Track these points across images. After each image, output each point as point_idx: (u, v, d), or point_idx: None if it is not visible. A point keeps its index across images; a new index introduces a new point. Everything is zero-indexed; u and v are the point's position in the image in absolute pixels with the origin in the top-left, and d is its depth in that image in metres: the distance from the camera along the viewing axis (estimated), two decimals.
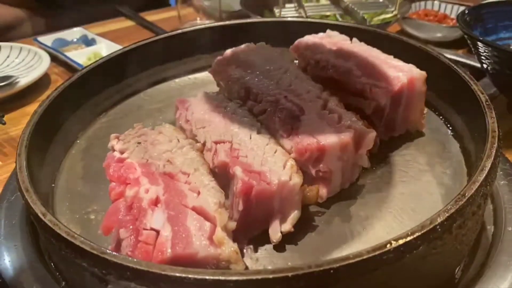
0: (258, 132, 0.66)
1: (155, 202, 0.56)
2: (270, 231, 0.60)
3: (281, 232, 0.59)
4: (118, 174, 0.61)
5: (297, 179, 0.59)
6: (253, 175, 0.58)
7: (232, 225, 0.56)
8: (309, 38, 0.89)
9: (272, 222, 0.60)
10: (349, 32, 0.92)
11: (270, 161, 0.61)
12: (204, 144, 0.67)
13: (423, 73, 0.76)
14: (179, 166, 0.63)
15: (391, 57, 0.81)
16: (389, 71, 0.76)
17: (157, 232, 0.53)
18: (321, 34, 0.91)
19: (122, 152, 0.66)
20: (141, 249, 0.52)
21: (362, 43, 0.87)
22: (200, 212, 0.56)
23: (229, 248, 0.52)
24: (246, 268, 0.57)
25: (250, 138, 0.65)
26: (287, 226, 0.60)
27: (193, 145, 0.68)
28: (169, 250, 0.50)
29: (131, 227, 0.54)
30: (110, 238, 0.57)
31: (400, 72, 0.76)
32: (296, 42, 0.91)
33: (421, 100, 0.78)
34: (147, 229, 0.53)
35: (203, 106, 0.73)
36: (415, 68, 0.77)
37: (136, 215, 0.55)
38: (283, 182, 0.58)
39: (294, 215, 0.60)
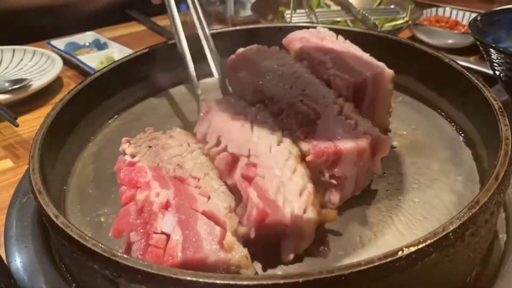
0: (279, 143, 0.64)
1: (166, 206, 0.56)
2: (282, 253, 0.59)
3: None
4: (129, 178, 0.62)
5: (311, 214, 0.56)
6: (268, 202, 0.56)
7: (242, 230, 0.55)
8: (300, 32, 0.92)
9: (284, 245, 0.59)
10: (360, 37, 0.92)
11: (287, 186, 0.58)
12: (219, 152, 0.65)
13: (391, 71, 0.76)
14: (189, 170, 0.63)
15: (367, 55, 0.81)
16: (356, 66, 0.77)
17: (168, 236, 0.53)
18: (311, 29, 0.92)
19: (133, 156, 0.66)
20: (152, 253, 0.52)
21: (347, 41, 0.87)
22: (210, 216, 0.56)
23: (239, 253, 0.52)
24: (256, 273, 0.57)
25: (270, 151, 0.63)
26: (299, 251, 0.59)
27: (203, 149, 0.68)
28: (180, 254, 0.50)
29: (141, 230, 0.54)
30: (121, 241, 0.57)
31: (367, 68, 0.76)
32: (288, 35, 0.92)
33: (387, 98, 0.78)
34: (157, 233, 0.53)
35: (222, 115, 0.71)
36: (384, 67, 0.77)
37: (146, 219, 0.55)
38: (296, 216, 0.56)
39: (305, 243, 0.59)
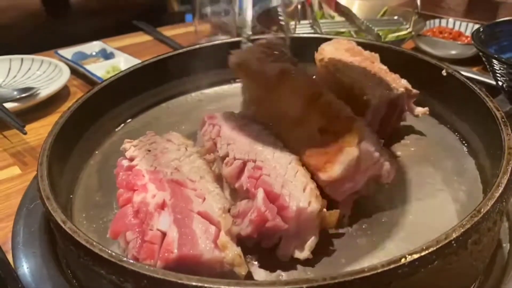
0: (281, 151, 0.66)
1: (162, 206, 0.58)
2: (280, 251, 0.60)
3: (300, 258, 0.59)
4: (126, 181, 0.63)
5: (315, 205, 0.57)
6: (270, 207, 0.57)
7: (236, 229, 0.57)
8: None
9: (284, 243, 0.60)
10: (364, 48, 0.94)
11: (291, 183, 0.60)
12: (223, 158, 0.66)
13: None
14: (186, 173, 0.64)
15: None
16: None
17: (163, 233, 0.54)
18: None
19: (131, 160, 0.68)
20: (146, 249, 0.53)
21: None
22: (205, 216, 0.57)
23: (232, 251, 0.53)
24: (249, 272, 0.58)
25: (273, 156, 0.64)
26: (306, 253, 0.59)
27: (200, 153, 0.69)
28: (176, 251, 0.52)
29: (137, 229, 0.56)
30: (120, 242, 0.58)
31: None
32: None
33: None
34: (153, 230, 0.54)
35: (230, 124, 0.72)
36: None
37: (142, 219, 0.57)
38: (301, 208, 0.57)
39: (311, 242, 0.59)
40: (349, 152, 0.61)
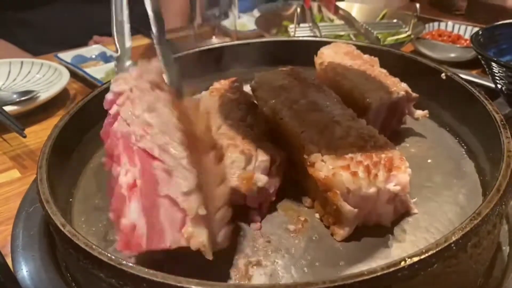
0: None
1: (132, 186, 0.57)
2: None
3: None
4: (107, 145, 0.63)
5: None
6: None
7: (203, 211, 0.54)
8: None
9: None
10: (363, 51, 0.94)
11: None
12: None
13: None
14: (154, 135, 0.60)
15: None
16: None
17: (134, 225, 0.54)
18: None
19: (118, 95, 0.65)
20: (122, 242, 0.54)
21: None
22: (172, 200, 0.55)
23: (197, 241, 0.53)
24: (248, 275, 0.57)
25: None
26: None
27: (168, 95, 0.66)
28: (144, 246, 0.53)
29: (117, 214, 0.56)
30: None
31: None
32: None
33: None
34: (126, 218, 0.55)
35: None
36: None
37: (122, 200, 0.56)
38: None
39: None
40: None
